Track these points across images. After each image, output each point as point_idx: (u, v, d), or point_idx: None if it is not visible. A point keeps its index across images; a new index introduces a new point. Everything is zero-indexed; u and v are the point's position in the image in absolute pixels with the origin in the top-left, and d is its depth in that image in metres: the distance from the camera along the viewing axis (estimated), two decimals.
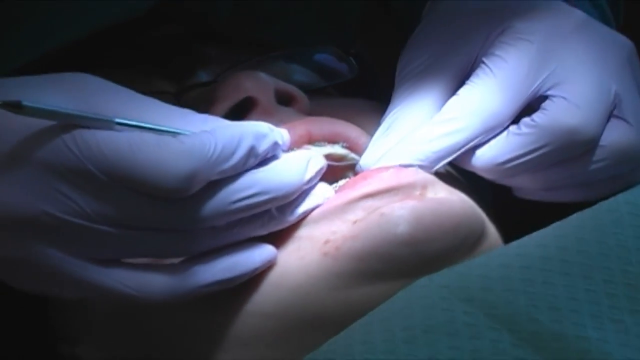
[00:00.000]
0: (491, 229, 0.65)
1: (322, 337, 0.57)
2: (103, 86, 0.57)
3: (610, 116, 0.65)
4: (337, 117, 0.68)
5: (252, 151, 0.57)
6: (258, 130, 0.58)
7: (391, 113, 0.66)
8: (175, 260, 0.58)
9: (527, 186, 0.66)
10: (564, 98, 0.63)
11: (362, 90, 0.78)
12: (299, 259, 0.61)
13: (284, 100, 0.70)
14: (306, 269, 0.60)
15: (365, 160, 0.66)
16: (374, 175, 0.63)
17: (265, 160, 0.59)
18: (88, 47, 0.71)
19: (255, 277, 0.60)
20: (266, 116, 0.66)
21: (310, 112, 0.69)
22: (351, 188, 0.62)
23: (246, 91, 0.67)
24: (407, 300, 0.56)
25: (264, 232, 0.60)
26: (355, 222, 0.61)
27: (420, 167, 0.64)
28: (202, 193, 0.55)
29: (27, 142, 0.53)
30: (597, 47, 0.66)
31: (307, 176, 0.60)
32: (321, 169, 0.62)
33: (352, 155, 0.66)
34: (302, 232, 0.61)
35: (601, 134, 0.64)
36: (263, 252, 0.60)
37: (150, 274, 0.56)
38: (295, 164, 0.60)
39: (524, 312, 0.55)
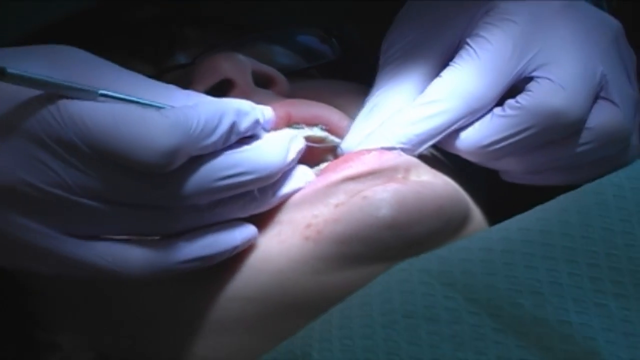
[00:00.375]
0: (476, 213, 0.65)
1: (303, 322, 0.57)
2: (88, 59, 0.56)
3: (596, 98, 0.64)
4: (318, 99, 0.67)
5: (233, 128, 0.57)
6: (240, 107, 0.58)
7: (374, 95, 0.66)
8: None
9: (512, 169, 0.65)
10: (549, 79, 0.62)
11: (348, 72, 0.77)
12: (279, 243, 0.60)
13: (263, 82, 0.69)
14: (287, 253, 0.60)
15: (346, 143, 0.65)
16: (355, 158, 0.62)
17: (246, 139, 0.59)
18: (64, 30, 0.70)
19: (236, 262, 0.60)
20: (244, 98, 0.65)
21: (290, 95, 0.69)
22: (333, 171, 0.62)
23: (223, 73, 0.67)
24: (386, 285, 0.56)
25: (244, 214, 0.59)
26: (337, 205, 0.60)
27: (403, 150, 0.63)
28: (184, 169, 0.55)
29: (10, 109, 0.53)
30: (583, 27, 0.65)
31: (290, 157, 0.60)
32: (301, 149, 0.62)
33: (332, 137, 0.66)
34: (283, 216, 0.61)
35: (587, 115, 0.63)
36: (244, 231, 0.59)
37: (129, 248, 0.56)
38: (278, 144, 0.60)
39: (506, 296, 0.54)
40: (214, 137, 0.56)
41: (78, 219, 0.54)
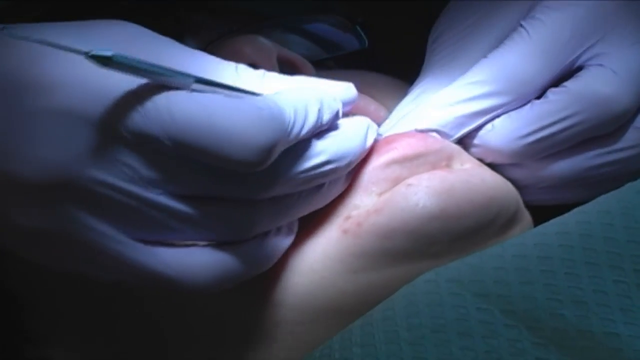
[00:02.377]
0: (525, 212, 0.62)
1: (338, 329, 0.55)
2: (149, 36, 0.54)
3: None
4: None
5: (319, 119, 0.55)
6: (322, 97, 0.55)
7: (420, 83, 0.64)
8: None
9: (540, 179, 0.62)
10: (600, 65, 0.60)
11: (362, 61, 0.74)
12: (316, 237, 0.58)
13: (287, 70, 0.66)
14: (322, 249, 0.58)
15: (384, 127, 0.63)
16: (398, 139, 0.60)
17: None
18: (73, 13, 0.68)
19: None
20: None
21: None
22: (376, 153, 0.60)
23: (247, 57, 0.64)
24: (411, 297, 0.53)
25: (324, 202, 0.58)
26: (380, 194, 0.58)
27: (439, 133, 0.61)
28: (274, 163, 0.52)
29: (87, 97, 0.49)
30: None
31: (368, 144, 0.58)
32: (376, 138, 0.60)
33: None
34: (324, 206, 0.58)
35: (635, 108, 0.61)
36: (290, 231, 0.57)
37: (199, 256, 0.53)
38: (359, 131, 0.58)
39: (545, 307, 0.52)
40: (305, 130, 0.53)
41: (151, 222, 0.51)
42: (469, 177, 0.59)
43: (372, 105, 0.65)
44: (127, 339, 0.62)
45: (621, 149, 0.61)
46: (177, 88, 0.50)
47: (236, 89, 0.52)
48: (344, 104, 0.58)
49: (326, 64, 0.75)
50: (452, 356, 0.50)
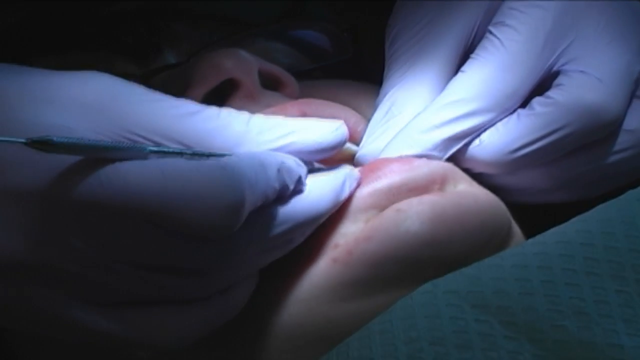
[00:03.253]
0: (516, 227, 0.61)
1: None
2: (122, 95, 0.51)
3: (631, 97, 0.61)
4: (332, 101, 0.64)
5: (279, 181, 0.53)
6: (284, 162, 0.53)
7: (388, 94, 0.62)
8: None
9: (534, 185, 0.62)
10: (583, 72, 0.60)
11: (356, 71, 0.73)
12: (305, 267, 0.57)
13: (269, 83, 0.66)
14: (310, 279, 0.56)
15: (365, 150, 0.61)
16: (382, 166, 0.59)
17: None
18: (48, 25, 0.67)
19: (258, 292, 0.56)
20: (250, 101, 0.63)
21: (300, 97, 0.66)
22: (360, 183, 0.58)
23: (227, 72, 0.63)
24: (408, 309, 0.53)
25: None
26: (367, 220, 0.57)
27: (428, 157, 0.60)
28: (240, 229, 0.51)
29: (37, 174, 0.48)
30: (618, 19, 0.62)
31: (343, 197, 0.56)
32: (357, 184, 0.58)
33: (349, 144, 0.62)
34: (311, 234, 0.57)
35: (624, 114, 0.60)
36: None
37: (165, 316, 0.52)
38: (329, 192, 0.56)
39: (546, 318, 0.52)
40: (269, 192, 0.52)
41: (106, 289, 0.50)
42: (461, 199, 0.58)
43: (352, 118, 0.63)
44: None
45: (613, 152, 0.61)
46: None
47: (198, 153, 0.51)
48: (332, 147, 0.57)
49: (311, 74, 0.74)
50: None
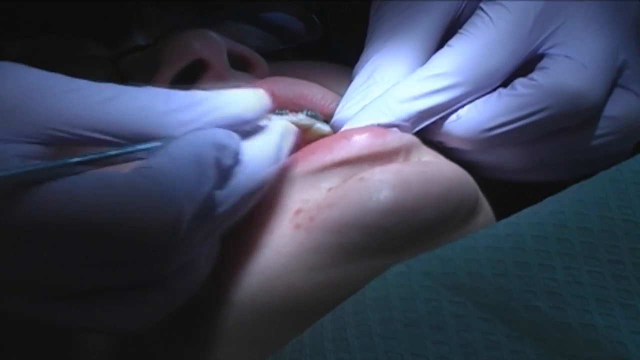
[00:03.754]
0: (485, 201, 0.61)
1: (299, 329, 0.53)
2: (30, 87, 0.50)
3: (614, 85, 0.62)
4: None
5: (218, 171, 0.52)
6: (217, 141, 0.52)
7: (370, 60, 0.62)
8: None
9: (512, 163, 0.62)
10: (568, 57, 0.60)
11: (328, 53, 0.73)
12: (268, 234, 0.56)
13: (239, 65, 0.66)
14: (276, 246, 0.56)
15: (342, 115, 0.61)
16: (351, 136, 0.59)
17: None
18: (17, 10, 0.67)
19: (223, 262, 0.55)
20: (219, 81, 0.62)
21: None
22: (328, 150, 0.58)
23: (196, 53, 0.64)
24: (382, 290, 0.53)
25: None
26: (330, 189, 0.57)
27: (400, 127, 0.60)
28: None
29: None
30: (606, 8, 0.63)
31: (283, 156, 0.56)
32: (293, 142, 0.58)
33: (319, 124, 0.62)
34: (271, 201, 0.57)
35: (603, 100, 0.61)
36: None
37: (126, 303, 0.51)
38: (264, 159, 0.55)
39: (519, 299, 0.52)
40: (206, 185, 0.51)
41: (65, 286, 0.50)
42: (426, 168, 0.58)
43: (320, 93, 0.63)
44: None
45: (593, 137, 0.61)
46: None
47: (126, 151, 0.50)
48: (255, 118, 0.55)
49: (281, 55, 0.74)
50: (425, 350, 0.50)
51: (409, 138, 0.60)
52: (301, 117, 0.61)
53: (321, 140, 0.59)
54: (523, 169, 0.62)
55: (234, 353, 0.57)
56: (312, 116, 0.62)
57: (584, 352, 0.50)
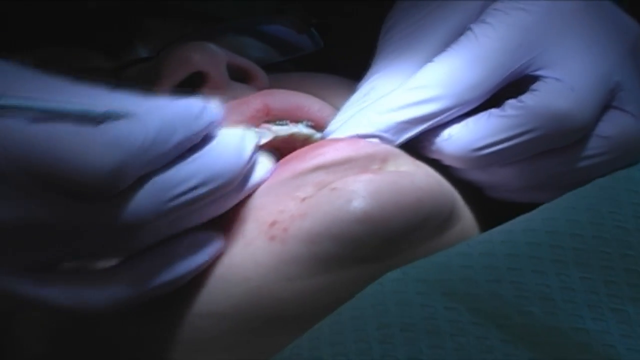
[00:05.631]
0: (465, 211, 0.63)
1: (285, 336, 0.56)
2: (9, 71, 0.53)
3: (607, 107, 0.63)
4: (301, 92, 0.66)
5: (187, 134, 0.54)
6: (190, 111, 0.55)
7: (369, 80, 0.64)
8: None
9: (504, 181, 0.63)
10: (557, 79, 0.61)
11: (328, 65, 0.75)
12: (244, 246, 0.58)
13: (239, 77, 0.67)
14: (253, 258, 0.57)
15: (331, 128, 0.63)
16: (327, 145, 0.60)
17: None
18: (21, 21, 0.69)
19: (202, 272, 0.57)
20: (218, 93, 0.63)
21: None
22: (301, 159, 0.60)
23: (195, 65, 0.65)
24: (379, 296, 0.54)
25: (203, 220, 0.57)
26: (304, 199, 0.58)
27: (381, 139, 0.61)
28: (133, 191, 0.52)
29: None
30: (601, 29, 0.63)
31: (247, 155, 0.57)
32: (257, 143, 0.59)
33: (318, 135, 0.64)
34: (246, 213, 0.59)
35: (594, 122, 0.62)
36: (211, 245, 0.57)
37: (89, 281, 0.54)
38: (231, 144, 0.57)
39: (513, 304, 0.53)
40: (167, 147, 0.53)
41: (23, 253, 0.52)
42: (398, 178, 0.59)
43: (316, 105, 0.65)
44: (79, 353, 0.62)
45: (584, 158, 0.62)
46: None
47: (79, 110, 0.51)
48: (214, 121, 0.57)
49: (281, 67, 0.76)
50: (421, 354, 0.51)
51: (384, 147, 0.61)
52: (301, 128, 0.64)
53: (296, 151, 0.61)
54: (518, 188, 0.63)
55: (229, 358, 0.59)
56: (311, 127, 0.64)
57: (576, 356, 0.52)
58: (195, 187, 0.54)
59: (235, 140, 0.57)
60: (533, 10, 0.62)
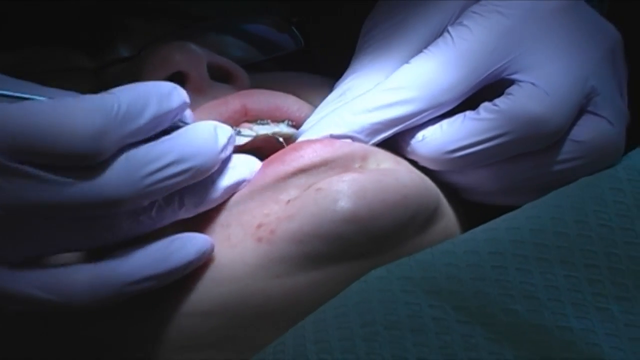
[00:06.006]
0: (446, 208, 0.63)
1: (272, 333, 0.56)
2: None
3: (582, 111, 0.63)
4: (281, 91, 0.66)
5: (160, 110, 0.55)
6: (161, 89, 0.56)
7: (346, 80, 0.64)
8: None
9: (479, 184, 0.63)
10: (532, 83, 0.61)
11: (310, 64, 0.75)
12: (231, 248, 0.58)
13: (219, 77, 0.67)
14: (241, 258, 0.58)
15: (306, 127, 0.63)
16: (305, 146, 0.61)
17: (170, 129, 0.57)
18: (2, 21, 0.68)
19: (187, 274, 0.58)
20: (198, 93, 0.64)
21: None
22: (280, 162, 0.60)
23: (175, 65, 0.65)
24: (363, 294, 0.55)
25: (187, 214, 0.58)
26: (288, 201, 0.59)
27: (354, 139, 0.62)
28: (108, 164, 0.53)
29: None
30: (579, 33, 0.64)
31: (220, 143, 0.58)
32: (231, 136, 0.59)
33: (285, 128, 0.64)
34: (231, 218, 0.59)
35: (567, 126, 0.62)
36: (197, 243, 0.57)
37: (68, 273, 0.54)
38: (205, 129, 0.57)
39: (497, 302, 0.54)
40: (141, 121, 0.54)
41: (1, 241, 0.52)
42: (382, 176, 0.59)
43: (295, 104, 0.65)
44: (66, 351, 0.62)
45: (558, 162, 0.62)
46: None
47: (31, 97, 0.53)
48: (184, 102, 0.58)
49: (262, 67, 0.76)
50: (406, 352, 0.51)
51: (362, 146, 0.61)
52: (282, 127, 0.64)
53: (274, 155, 0.61)
54: (492, 191, 0.63)
55: (211, 357, 0.59)
56: (293, 126, 0.64)
57: (560, 354, 0.52)
58: (169, 164, 0.54)
59: (208, 128, 0.58)
60: (510, 14, 0.62)
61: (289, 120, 0.64)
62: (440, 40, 0.63)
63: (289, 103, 0.65)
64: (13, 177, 0.51)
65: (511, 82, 0.62)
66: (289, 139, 0.64)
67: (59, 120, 0.51)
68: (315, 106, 0.65)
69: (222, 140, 0.58)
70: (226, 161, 0.59)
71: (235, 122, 0.62)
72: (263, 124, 0.63)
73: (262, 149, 0.63)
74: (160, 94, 0.55)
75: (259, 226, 0.58)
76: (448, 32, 0.63)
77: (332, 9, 0.78)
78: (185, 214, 0.57)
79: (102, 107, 0.52)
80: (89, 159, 0.52)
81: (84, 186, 0.52)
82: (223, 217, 0.59)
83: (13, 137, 0.50)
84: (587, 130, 0.63)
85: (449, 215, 0.63)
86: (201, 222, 0.59)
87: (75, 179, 0.52)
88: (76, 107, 0.52)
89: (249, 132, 0.63)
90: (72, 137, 0.51)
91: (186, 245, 0.57)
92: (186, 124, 0.58)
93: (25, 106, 0.51)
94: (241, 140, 0.62)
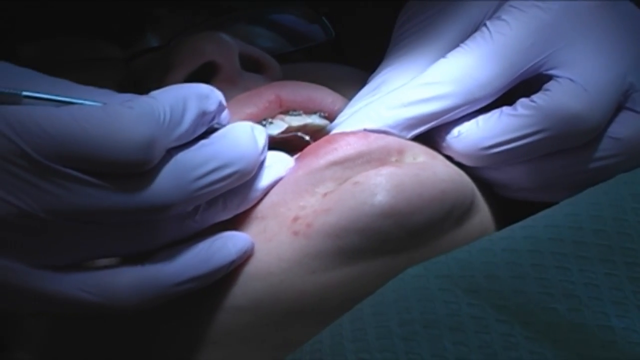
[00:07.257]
0: (482, 203, 0.63)
1: (303, 329, 0.57)
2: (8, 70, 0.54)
3: (620, 108, 0.63)
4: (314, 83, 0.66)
5: (200, 113, 0.55)
6: (200, 92, 0.56)
7: (380, 73, 0.64)
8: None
9: (515, 181, 0.64)
10: (571, 79, 0.61)
11: (339, 55, 0.75)
12: (266, 242, 0.59)
13: (251, 67, 0.67)
14: (276, 252, 0.58)
15: (338, 120, 0.64)
16: (339, 139, 0.61)
17: (208, 133, 0.57)
18: (33, 11, 0.69)
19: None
20: (230, 84, 0.64)
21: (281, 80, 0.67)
22: (315, 155, 0.60)
23: (207, 55, 0.65)
24: (401, 292, 0.55)
25: (228, 215, 0.58)
26: (325, 194, 0.59)
27: (388, 134, 0.62)
28: (158, 170, 0.53)
29: None
30: (617, 29, 0.64)
31: (260, 143, 0.58)
32: (266, 136, 0.60)
33: (318, 120, 0.65)
34: (266, 210, 0.60)
35: (605, 123, 0.62)
36: (238, 242, 0.58)
37: (114, 276, 0.54)
38: (244, 132, 0.58)
39: (537, 301, 0.54)
40: (185, 125, 0.54)
41: (49, 246, 0.52)
42: (420, 171, 0.59)
43: (329, 96, 0.65)
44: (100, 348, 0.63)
45: (595, 159, 0.62)
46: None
47: (77, 102, 0.53)
48: (222, 104, 0.58)
49: (292, 58, 0.76)
50: (445, 351, 0.51)
51: (397, 139, 0.61)
52: (314, 119, 0.64)
53: (308, 147, 0.62)
54: (527, 188, 0.64)
55: (241, 353, 0.59)
56: (325, 118, 0.64)
57: (601, 354, 0.52)
58: (215, 169, 0.55)
59: (247, 130, 0.58)
60: (549, 9, 0.62)
61: (321, 112, 0.64)
62: (477, 35, 0.63)
63: (323, 95, 0.65)
64: (64, 183, 0.51)
65: (549, 78, 0.62)
66: (321, 132, 0.64)
67: (110, 128, 0.51)
68: (348, 99, 0.65)
69: (261, 141, 0.58)
70: (263, 160, 0.59)
71: (269, 113, 0.63)
72: (295, 115, 0.63)
73: (290, 142, 0.63)
74: (199, 96, 0.56)
75: (295, 219, 0.58)
76: (486, 26, 0.63)
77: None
78: (226, 215, 0.58)
79: (151, 114, 0.52)
80: (140, 167, 0.52)
81: (135, 192, 0.52)
82: (258, 209, 0.60)
83: (63, 143, 0.51)
84: (625, 127, 0.63)
85: (484, 210, 0.63)
86: (236, 215, 0.59)
87: (124, 184, 0.52)
88: (125, 115, 0.52)
89: (281, 122, 0.63)
90: (124, 145, 0.51)
91: (227, 244, 0.57)
92: (222, 125, 0.58)
93: (75, 112, 0.51)
94: (274, 131, 0.62)
